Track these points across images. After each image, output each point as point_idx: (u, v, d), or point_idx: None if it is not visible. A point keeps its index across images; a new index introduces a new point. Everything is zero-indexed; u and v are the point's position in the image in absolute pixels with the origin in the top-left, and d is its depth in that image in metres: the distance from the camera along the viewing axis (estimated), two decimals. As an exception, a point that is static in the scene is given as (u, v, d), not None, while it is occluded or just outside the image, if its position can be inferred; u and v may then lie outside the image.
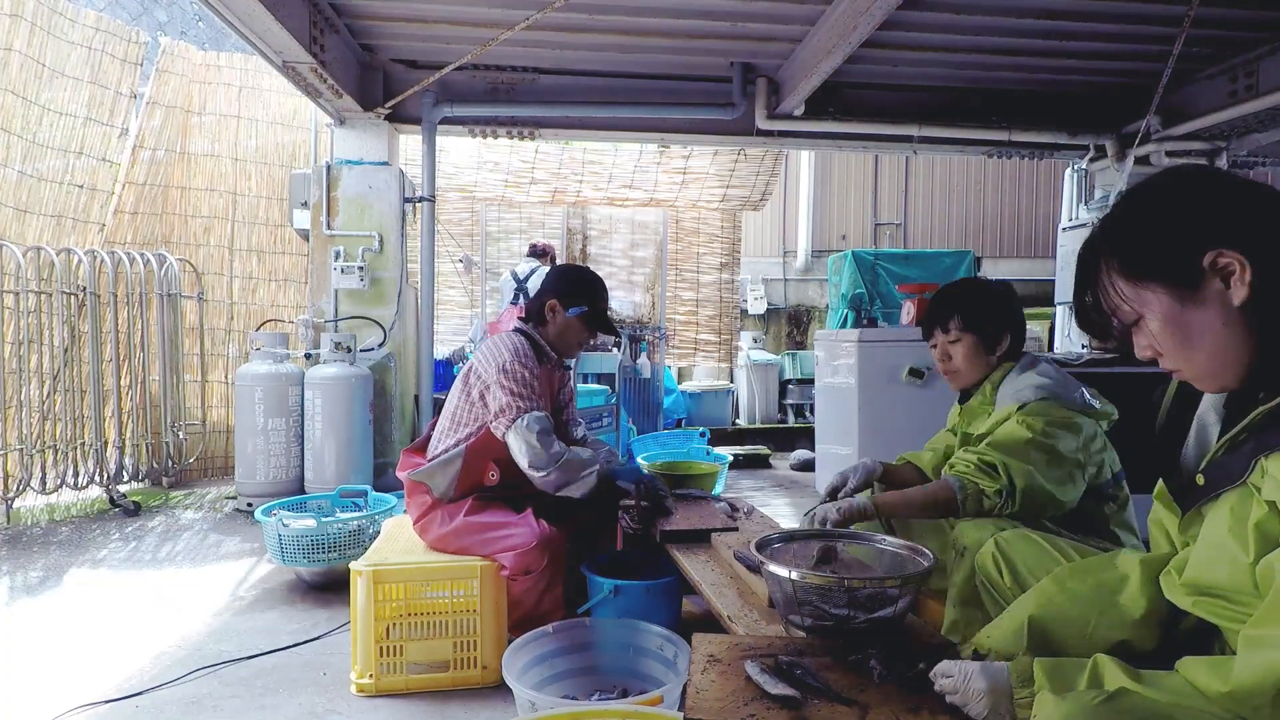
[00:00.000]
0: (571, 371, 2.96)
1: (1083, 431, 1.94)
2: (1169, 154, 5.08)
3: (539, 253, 6.23)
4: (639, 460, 4.67)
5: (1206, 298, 1.03)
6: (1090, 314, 1.15)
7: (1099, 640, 1.21)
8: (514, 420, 2.43)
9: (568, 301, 2.65)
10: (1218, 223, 1.03)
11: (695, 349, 7.78)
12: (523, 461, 2.44)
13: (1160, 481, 1.21)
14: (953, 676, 1.17)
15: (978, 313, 2.13)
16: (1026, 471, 1.84)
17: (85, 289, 4.52)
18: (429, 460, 2.59)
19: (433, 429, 2.70)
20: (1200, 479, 1.08)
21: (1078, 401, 1.99)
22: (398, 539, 2.64)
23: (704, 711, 1.21)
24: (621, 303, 7.07)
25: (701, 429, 6.17)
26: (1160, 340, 1.07)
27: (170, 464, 5.07)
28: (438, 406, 3.00)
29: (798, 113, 4.83)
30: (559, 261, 6.54)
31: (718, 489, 4.59)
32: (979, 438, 2.06)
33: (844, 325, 7.67)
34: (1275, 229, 1.02)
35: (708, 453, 5.48)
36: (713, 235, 7.64)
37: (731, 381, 8.34)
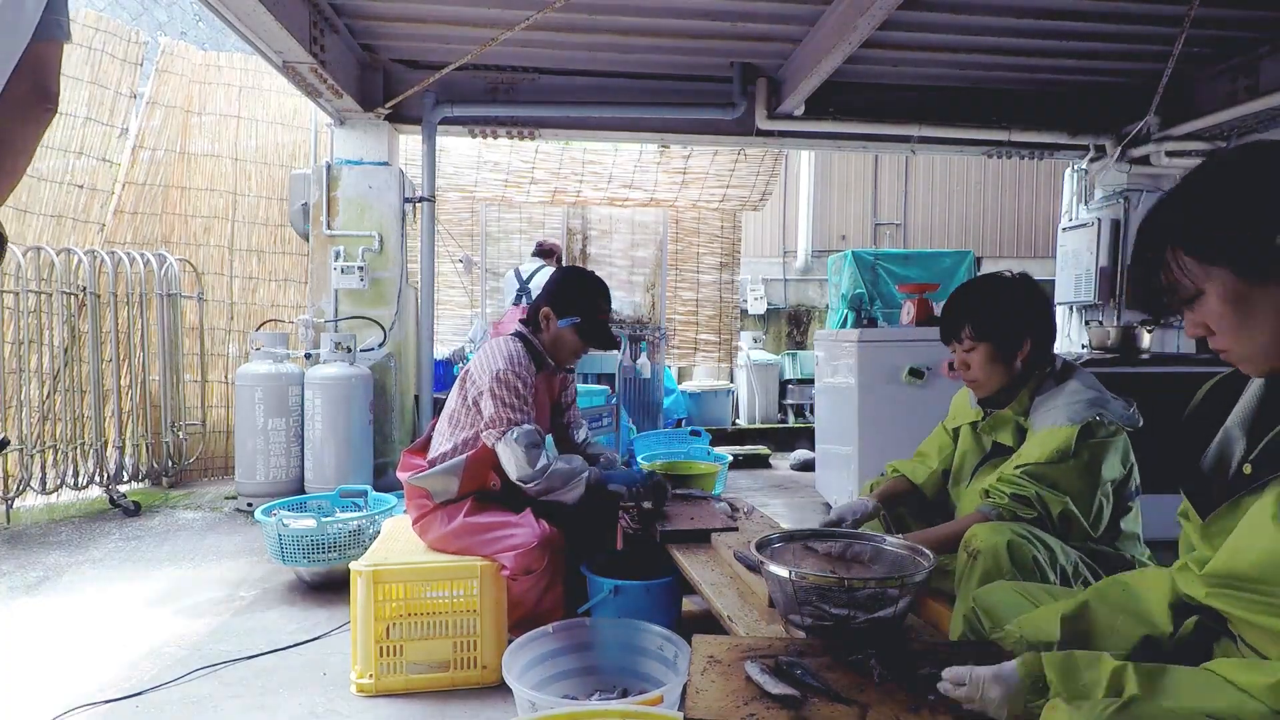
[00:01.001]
0: (573, 374, 2.94)
1: (1124, 447, 1.91)
2: (1169, 154, 5.08)
3: (545, 252, 6.12)
4: (640, 460, 4.67)
5: (1276, 278, 1.02)
6: (1146, 286, 1.13)
7: (1124, 636, 1.23)
8: (503, 433, 2.42)
9: (561, 311, 2.59)
10: None
11: (695, 349, 7.78)
12: (511, 473, 2.45)
13: (1184, 500, 1.21)
14: (966, 685, 1.17)
15: (988, 321, 2.00)
16: (1062, 502, 1.82)
17: (85, 289, 4.52)
18: (429, 463, 2.58)
19: (433, 429, 2.70)
20: (1248, 468, 1.08)
21: (1123, 415, 1.90)
22: (398, 539, 2.64)
23: (704, 711, 1.21)
24: (621, 303, 7.06)
25: (693, 428, 6.17)
26: (1220, 318, 1.06)
27: (170, 464, 5.07)
28: (438, 406, 3.00)
29: (798, 113, 4.83)
30: (562, 262, 6.48)
31: (718, 489, 4.59)
32: (1002, 448, 2.05)
33: (844, 325, 7.67)
34: None
35: (708, 453, 5.48)
36: (713, 235, 7.63)
37: (731, 381, 8.34)
